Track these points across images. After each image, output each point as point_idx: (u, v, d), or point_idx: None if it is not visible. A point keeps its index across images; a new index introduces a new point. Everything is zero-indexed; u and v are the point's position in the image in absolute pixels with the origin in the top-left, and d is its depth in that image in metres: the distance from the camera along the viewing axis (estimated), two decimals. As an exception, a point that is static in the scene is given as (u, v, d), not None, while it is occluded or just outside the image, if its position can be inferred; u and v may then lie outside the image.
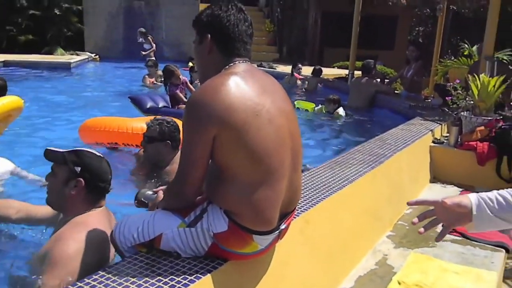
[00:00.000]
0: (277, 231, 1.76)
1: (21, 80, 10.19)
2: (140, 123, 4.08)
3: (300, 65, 10.22)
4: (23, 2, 14.48)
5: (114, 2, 15.73)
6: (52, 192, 2.14)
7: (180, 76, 6.66)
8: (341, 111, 7.05)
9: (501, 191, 1.40)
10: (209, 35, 1.76)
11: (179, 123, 3.31)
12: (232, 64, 1.76)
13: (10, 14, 14.30)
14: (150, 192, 2.06)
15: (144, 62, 11.93)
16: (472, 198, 1.39)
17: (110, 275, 1.60)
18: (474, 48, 7.52)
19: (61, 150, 2.15)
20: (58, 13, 14.95)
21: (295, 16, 16.45)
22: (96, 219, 2.11)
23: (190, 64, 13.95)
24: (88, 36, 15.45)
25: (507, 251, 2.82)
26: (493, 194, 1.40)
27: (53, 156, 2.14)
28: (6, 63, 11.52)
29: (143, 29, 12.74)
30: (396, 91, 8.30)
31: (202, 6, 16.42)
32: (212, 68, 1.78)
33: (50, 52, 14.13)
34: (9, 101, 3.38)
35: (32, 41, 14.41)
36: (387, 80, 8.95)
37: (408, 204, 1.53)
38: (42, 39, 14.59)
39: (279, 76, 10.52)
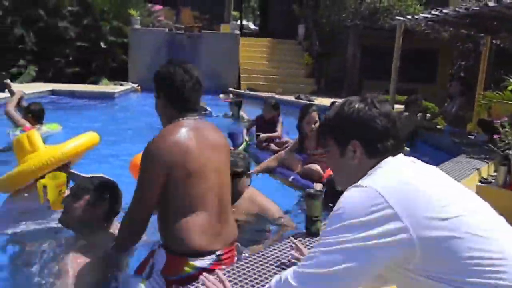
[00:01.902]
0: (213, 255, 2.10)
1: (67, 108, 10.59)
2: None
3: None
4: (72, 34, 15.16)
5: (158, 35, 16.28)
6: (73, 213, 2.35)
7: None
8: None
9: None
10: (161, 93, 2.23)
11: None
12: (182, 119, 2.16)
13: (59, 45, 14.99)
14: None
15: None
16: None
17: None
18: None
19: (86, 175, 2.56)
20: (104, 46, 15.56)
21: (334, 49, 16.51)
22: (104, 239, 2.37)
23: (222, 95, 14.17)
24: (131, 67, 15.97)
25: None
26: None
27: (82, 181, 2.49)
28: (54, 92, 12.02)
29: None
30: (438, 126, 8.07)
31: (243, 40, 16.81)
32: (166, 119, 2.23)
33: (95, 82, 14.67)
34: (92, 138, 3.42)
35: (79, 73, 15.00)
36: (429, 115, 8.73)
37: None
38: (87, 70, 15.18)
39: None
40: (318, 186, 3.92)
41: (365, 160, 1.47)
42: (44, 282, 2.24)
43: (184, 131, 2.09)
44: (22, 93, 6.31)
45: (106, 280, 2.23)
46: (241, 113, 9.26)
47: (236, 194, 3.02)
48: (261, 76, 16.54)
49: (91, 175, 2.60)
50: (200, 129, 2.18)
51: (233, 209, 2.94)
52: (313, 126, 4.25)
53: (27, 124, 5.69)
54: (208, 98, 11.69)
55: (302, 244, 2.34)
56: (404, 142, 7.23)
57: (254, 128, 6.70)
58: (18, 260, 2.65)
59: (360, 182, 1.37)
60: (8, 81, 6.60)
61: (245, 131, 6.77)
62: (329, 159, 1.58)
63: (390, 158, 1.45)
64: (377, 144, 1.45)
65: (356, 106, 1.49)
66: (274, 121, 6.54)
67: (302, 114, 4.53)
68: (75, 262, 2.18)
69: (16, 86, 6.68)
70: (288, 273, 1.38)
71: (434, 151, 6.42)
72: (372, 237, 1.24)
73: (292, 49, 18.15)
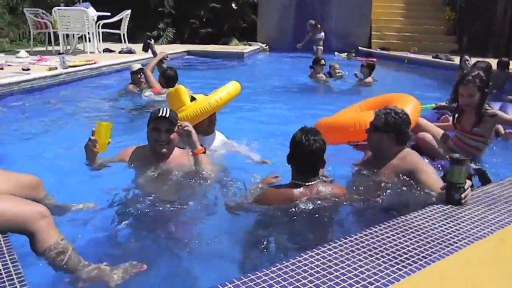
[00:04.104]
0: None
1: (200, 68, 11.13)
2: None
3: (467, 57, 8.82)
4: (206, -5, 15.73)
5: (288, -7, 16.10)
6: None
7: None
8: None
9: None
10: None
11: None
12: None
13: (194, 7, 15.67)
14: None
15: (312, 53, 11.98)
16: None
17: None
18: None
19: None
20: (234, 7, 15.88)
21: (481, 3, 14.73)
22: None
23: (336, 53, 13.55)
24: (260, 27, 16.12)
25: None
26: None
27: None
28: (189, 52, 12.70)
29: (313, 21, 12.74)
30: None
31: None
32: None
33: (226, 43, 15.13)
34: (236, 87, 3.60)
35: (211, 33, 15.59)
36: None
37: None
38: (219, 31, 15.69)
39: (454, 69, 9.47)
40: None
41: None
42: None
43: None
44: (165, 55, 6.53)
45: None
46: (370, 77, 8.67)
47: (383, 150, 2.88)
48: (395, 34, 15.54)
49: None
50: None
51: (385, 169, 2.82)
52: (466, 100, 3.49)
53: (157, 86, 6.00)
54: (333, 59, 11.38)
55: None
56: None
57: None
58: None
59: None
60: (152, 41, 6.91)
61: None
62: None
63: None
64: None
65: None
66: None
67: (457, 81, 3.84)
68: None
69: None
70: None
71: None
72: None
73: (431, 3, 16.65)
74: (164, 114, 2.93)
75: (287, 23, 15.89)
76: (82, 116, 5.70)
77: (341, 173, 3.02)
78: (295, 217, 2.41)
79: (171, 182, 2.95)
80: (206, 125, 3.51)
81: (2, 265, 1.91)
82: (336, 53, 13.73)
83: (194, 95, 3.62)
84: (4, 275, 1.78)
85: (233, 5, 15.85)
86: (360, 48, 14.80)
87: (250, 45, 15.13)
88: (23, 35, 13.21)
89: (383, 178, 2.74)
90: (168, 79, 5.95)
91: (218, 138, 3.68)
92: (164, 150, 2.97)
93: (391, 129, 2.83)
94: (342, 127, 3.74)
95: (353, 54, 13.95)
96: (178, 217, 2.72)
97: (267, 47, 15.07)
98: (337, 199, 2.50)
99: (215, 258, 2.39)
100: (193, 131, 3.03)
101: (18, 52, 9.66)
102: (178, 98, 3.50)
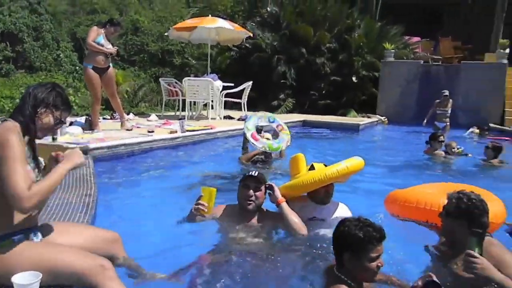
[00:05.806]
0: None
1: (314, 137, 11.21)
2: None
3: None
4: (327, 69, 16.14)
5: (411, 67, 15.78)
6: None
7: None
8: None
9: None
10: None
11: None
12: None
13: (314, 80, 16.15)
14: None
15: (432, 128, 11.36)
16: None
17: None
18: None
19: None
20: (355, 80, 16.02)
21: None
22: None
23: (470, 130, 12.44)
24: (380, 101, 15.90)
25: None
26: None
27: None
28: (305, 122, 12.93)
29: (447, 92, 12.00)
30: None
31: (511, 71, 14.69)
32: None
33: (344, 114, 15.15)
34: (357, 163, 3.49)
35: (329, 105, 15.78)
36: None
37: None
38: (337, 103, 15.82)
39: None
40: None
41: None
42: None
43: None
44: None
45: None
46: (496, 160, 7.73)
47: (456, 238, 2.58)
48: (533, 111, 14.11)
49: None
50: None
51: None
52: None
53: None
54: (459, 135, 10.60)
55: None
56: None
57: None
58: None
59: None
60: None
61: None
62: None
63: None
64: None
65: None
66: None
67: None
68: None
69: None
70: None
71: None
72: None
73: None
74: (253, 174, 3.42)
75: (410, 98, 15.43)
76: (188, 176, 6.02)
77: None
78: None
79: (257, 239, 3.24)
80: (323, 194, 3.51)
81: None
82: (471, 129, 12.78)
83: (314, 164, 3.65)
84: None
85: (354, 78, 15.99)
86: (491, 125, 13.67)
87: (368, 117, 14.94)
88: (161, 101, 14.73)
89: (458, 271, 2.37)
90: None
91: (340, 209, 3.61)
92: (251, 206, 3.34)
93: (462, 216, 2.50)
94: (411, 202, 3.60)
95: (486, 132, 12.85)
96: (265, 274, 2.86)
97: (385, 119, 14.72)
98: None
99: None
100: (275, 186, 3.43)
101: (149, 115, 10.78)
102: (296, 165, 3.70)
